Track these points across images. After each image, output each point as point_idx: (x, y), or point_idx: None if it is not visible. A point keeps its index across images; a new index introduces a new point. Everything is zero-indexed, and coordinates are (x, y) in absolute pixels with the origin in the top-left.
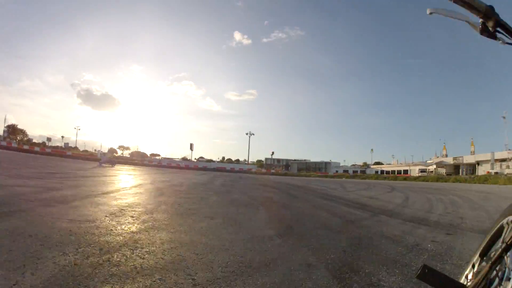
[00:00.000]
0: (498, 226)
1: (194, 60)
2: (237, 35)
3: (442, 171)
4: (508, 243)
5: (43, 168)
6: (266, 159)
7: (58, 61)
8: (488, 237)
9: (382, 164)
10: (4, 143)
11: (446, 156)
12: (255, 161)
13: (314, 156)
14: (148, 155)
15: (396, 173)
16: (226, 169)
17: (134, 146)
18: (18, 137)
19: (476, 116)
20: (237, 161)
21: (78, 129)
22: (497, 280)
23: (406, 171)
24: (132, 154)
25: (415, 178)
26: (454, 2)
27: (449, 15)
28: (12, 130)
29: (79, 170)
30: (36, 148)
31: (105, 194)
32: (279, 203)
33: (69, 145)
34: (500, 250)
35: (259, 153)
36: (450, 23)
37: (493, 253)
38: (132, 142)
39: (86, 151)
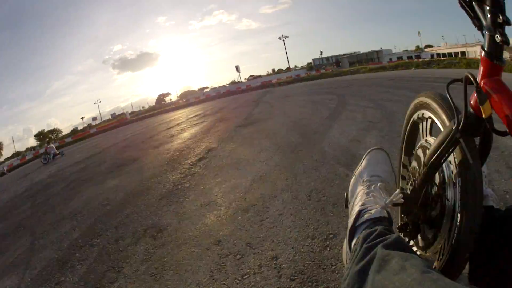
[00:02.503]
0: (411, 121)
1: None
2: None
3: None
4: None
5: None
6: (313, 60)
7: (79, 50)
8: (405, 135)
9: (433, 47)
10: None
11: None
12: (306, 65)
13: (364, 48)
14: (197, 90)
15: (453, 55)
16: (272, 82)
17: (184, 87)
18: (52, 138)
19: None
20: (288, 69)
21: (99, 102)
22: (437, 183)
23: (463, 53)
24: (181, 96)
25: None
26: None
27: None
28: (42, 136)
29: None
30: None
31: None
32: None
33: (116, 113)
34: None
35: (309, 57)
36: None
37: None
38: (182, 85)
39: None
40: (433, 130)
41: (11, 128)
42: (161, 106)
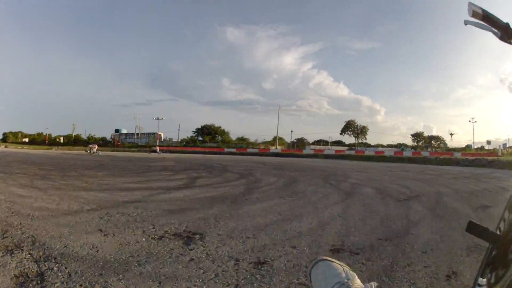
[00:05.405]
0: None
1: None
2: None
3: None
4: None
5: None
6: None
7: (482, 60)
8: None
9: None
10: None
11: None
12: None
13: None
14: None
15: None
16: None
17: None
18: (435, 144)
19: None
20: None
21: (474, 121)
22: None
23: None
24: None
25: None
26: (481, 19)
27: (478, 27)
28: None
29: None
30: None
31: None
32: None
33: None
34: None
35: None
36: None
37: None
38: None
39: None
40: None
41: (410, 119)
42: None
